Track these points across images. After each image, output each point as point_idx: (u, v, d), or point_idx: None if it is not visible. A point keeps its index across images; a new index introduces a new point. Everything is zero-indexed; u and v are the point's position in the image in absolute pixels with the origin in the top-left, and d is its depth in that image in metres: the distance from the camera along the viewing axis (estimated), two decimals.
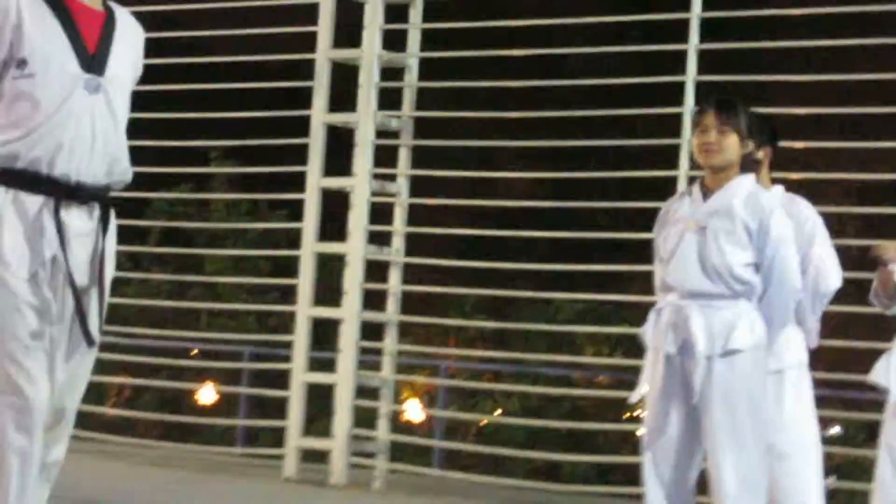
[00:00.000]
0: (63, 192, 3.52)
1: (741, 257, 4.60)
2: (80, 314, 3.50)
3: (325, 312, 8.97)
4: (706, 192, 4.69)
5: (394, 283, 8.63)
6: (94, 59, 3.52)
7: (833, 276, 5.04)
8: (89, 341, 3.55)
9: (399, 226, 8.65)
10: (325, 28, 8.82)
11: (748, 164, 4.69)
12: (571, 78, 10.03)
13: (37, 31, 3.47)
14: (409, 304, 9.32)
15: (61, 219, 3.49)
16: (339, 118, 8.97)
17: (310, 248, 8.77)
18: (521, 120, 9.94)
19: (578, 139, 10.12)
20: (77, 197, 3.54)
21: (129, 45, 3.66)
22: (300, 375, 8.72)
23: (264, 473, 9.18)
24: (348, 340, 8.46)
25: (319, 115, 8.78)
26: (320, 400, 9.02)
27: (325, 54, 8.87)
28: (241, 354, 11.49)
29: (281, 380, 9.34)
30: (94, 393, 9.03)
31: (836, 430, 10.39)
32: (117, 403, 11.85)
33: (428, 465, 10.01)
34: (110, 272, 3.66)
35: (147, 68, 3.82)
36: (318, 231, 8.80)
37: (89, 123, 3.50)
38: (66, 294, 3.51)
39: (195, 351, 12.07)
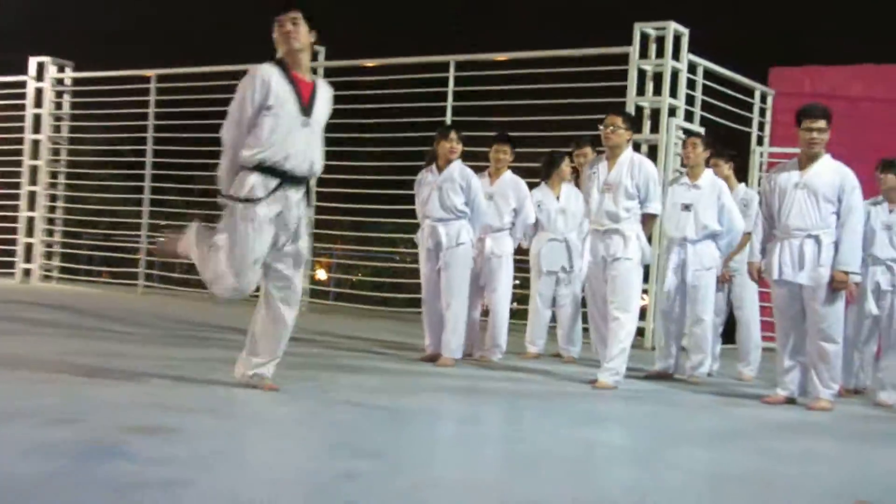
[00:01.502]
0: (287, 177, 5.29)
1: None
2: (296, 241, 5.41)
3: None
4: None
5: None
6: (306, 109, 5.33)
7: None
8: (302, 256, 5.46)
9: None
10: None
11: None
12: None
13: (280, 90, 5.26)
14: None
15: (286, 192, 5.30)
16: None
17: None
18: None
19: None
20: (293, 180, 5.32)
21: (323, 101, 5.45)
22: None
23: None
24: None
25: None
26: None
27: None
28: None
29: None
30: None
31: None
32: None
33: (326, 299, 16.02)
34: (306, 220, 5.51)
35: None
36: None
37: (303, 143, 5.32)
38: (289, 231, 5.37)
39: None
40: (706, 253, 8.01)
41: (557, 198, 9.11)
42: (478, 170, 8.52)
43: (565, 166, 9.23)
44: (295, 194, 5.33)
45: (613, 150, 7.36)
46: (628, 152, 7.39)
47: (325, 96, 5.45)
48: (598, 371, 7.20)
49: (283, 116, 5.25)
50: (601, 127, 7.42)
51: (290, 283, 5.45)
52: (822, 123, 6.73)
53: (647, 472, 4.31)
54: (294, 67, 5.35)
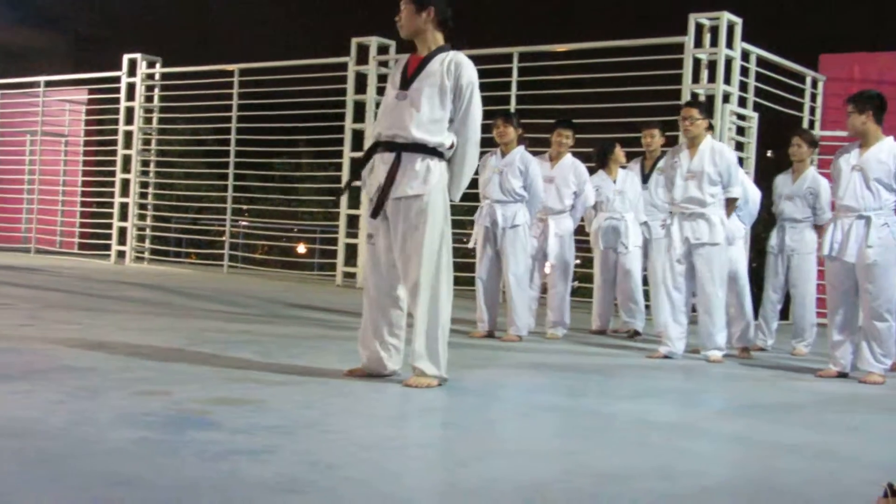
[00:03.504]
0: (383, 146, 5.09)
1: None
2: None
3: None
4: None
5: None
6: (406, 82, 5.09)
7: None
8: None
9: None
10: None
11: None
12: None
13: (395, 75, 5.19)
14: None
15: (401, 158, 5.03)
16: None
17: None
18: None
19: None
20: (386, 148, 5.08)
21: (429, 71, 5.05)
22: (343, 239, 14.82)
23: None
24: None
25: None
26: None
27: None
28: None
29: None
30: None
31: None
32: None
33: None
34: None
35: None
36: None
37: (397, 113, 5.05)
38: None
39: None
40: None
41: (614, 181, 9.05)
42: (543, 154, 8.58)
43: (619, 151, 9.20)
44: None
45: (693, 140, 7.42)
46: (708, 140, 7.46)
47: (437, 65, 5.08)
48: (703, 350, 7.38)
49: (389, 93, 5.18)
50: (679, 121, 7.51)
51: None
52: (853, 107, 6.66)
53: (705, 443, 4.26)
54: (420, 51, 5.21)
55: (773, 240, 8.49)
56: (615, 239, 9.00)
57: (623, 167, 9.21)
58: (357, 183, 5.49)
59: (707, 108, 7.81)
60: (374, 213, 5.09)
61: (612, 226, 8.99)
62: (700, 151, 7.36)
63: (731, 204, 7.47)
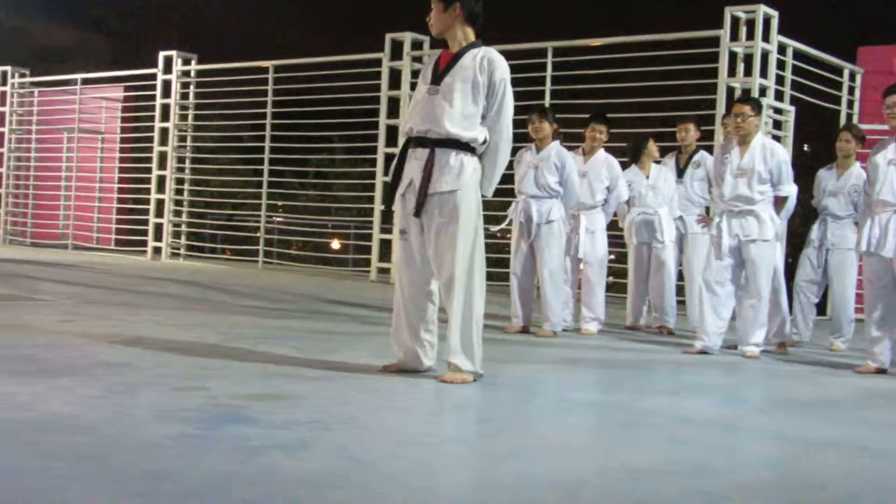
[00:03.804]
0: (415, 141, 5.08)
1: None
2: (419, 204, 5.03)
3: None
4: None
5: None
6: (438, 77, 5.09)
7: None
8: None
9: None
10: None
11: None
12: None
13: (427, 71, 5.22)
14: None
15: (435, 153, 5.01)
16: None
17: None
18: None
19: None
20: (418, 143, 5.08)
21: (461, 66, 5.04)
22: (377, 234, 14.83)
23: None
24: None
25: None
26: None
27: None
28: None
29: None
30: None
31: None
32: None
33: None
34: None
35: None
36: None
37: (429, 108, 5.04)
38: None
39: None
40: None
41: (647, 176, 9.00)
42: (577, 149, 8.55)
43: (652, 146, 9.13)
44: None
45: (745, 137, 7.34)
46: (759, 137, 7.39)
47: (469, 61, 5.08)
48: (742, 345, 7.34)
49: (420, 88, 5.20)
50: (731, 118, 7.42)
51: None
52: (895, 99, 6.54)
53: (741, 438, 4.24)
54: (451, 48, 5.21)
55: (814, 233, 8.39)
56: (649, 234, 8.95)
57: (657, 162, 9.16)
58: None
59: (760, 105, 7.72)
60: (417, 212, 5.05)
61: (645, 221, 8.94)
62: (751, 149, 7.27)
63: (781, 202, 7.39)
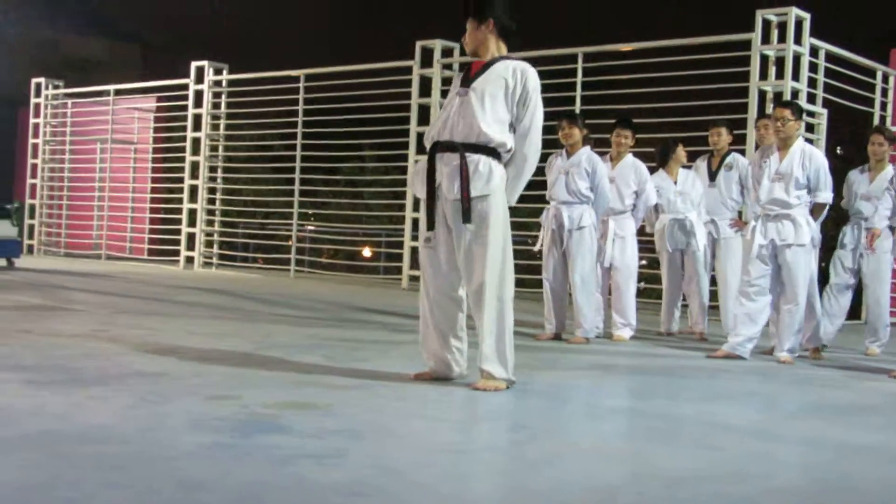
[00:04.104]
0: (443, 146, 5.07)
1: None
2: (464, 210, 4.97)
3: None
4: None
5: None
6: (468, 82, 5.12)
7: None
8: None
9: None
10: None
11: None
12: None
13: (457, 80, 5.30)
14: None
15: (468, 159, 5.01)
16: None
17: None
18: None
19: None
20: (446, 148, 5.06)
21: (494, 73, 5.08)
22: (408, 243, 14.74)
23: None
24: None
25: None
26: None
27: None
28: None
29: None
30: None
31: None
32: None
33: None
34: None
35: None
36: None
37: (460, 110, 5.06)
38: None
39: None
40: None
41: (675, 181, 8.94)
42: (605, 155, 8.51)
43: (681, 151, 9.08)
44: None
45: (784, 141, 7.29)
46: (799, 142, 7.32)
47: (500, 70, 5.12)
48: (777, 351, 7.32)
49: (451, 94, 5.25)
50: (771, 121, 7.41)
51: None
52: None
53: (775, 443, 4.20)
54: (483, 58, 5.25)
55: (847, 237, 8.30)
56: (683, 239, 8.90)
57: (686, 167, 9.11)
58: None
59: (801, 109, 7.65)
60: (467, 218, 5.00)
61: (677, 226, 8.89)
62: (790, 153, 7.22)
63: (819, 209, 7.35)
